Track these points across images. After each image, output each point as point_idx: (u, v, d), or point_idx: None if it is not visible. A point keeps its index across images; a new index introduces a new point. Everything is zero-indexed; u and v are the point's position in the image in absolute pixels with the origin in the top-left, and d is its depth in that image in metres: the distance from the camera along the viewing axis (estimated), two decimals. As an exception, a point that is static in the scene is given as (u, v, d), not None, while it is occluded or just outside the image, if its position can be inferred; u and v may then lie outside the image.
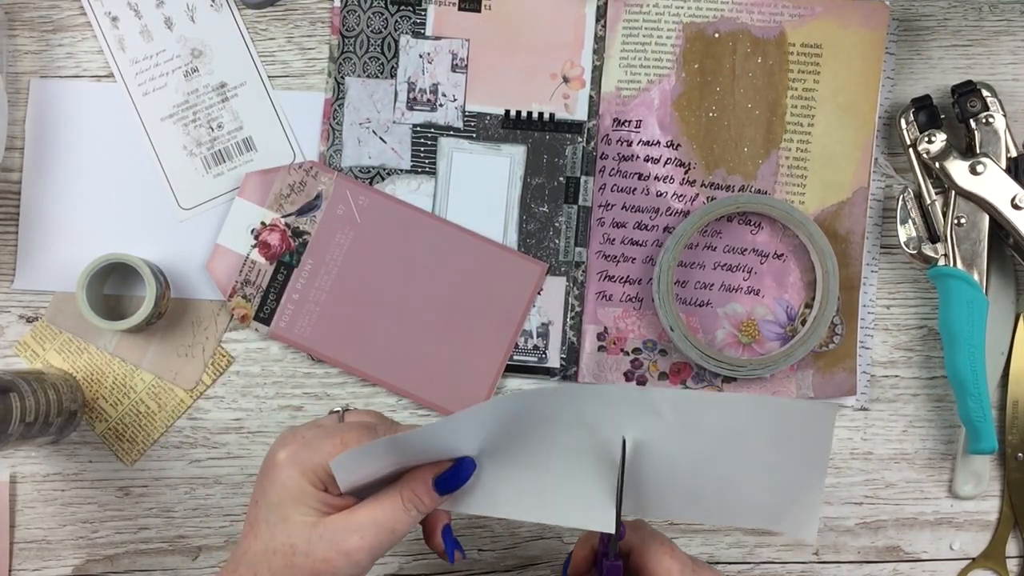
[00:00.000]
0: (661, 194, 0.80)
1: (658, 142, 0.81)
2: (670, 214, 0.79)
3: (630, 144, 0.81)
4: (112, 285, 0.80)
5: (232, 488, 0.80)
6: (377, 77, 0.81)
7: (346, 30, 0.81)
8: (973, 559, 0.81)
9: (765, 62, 0.81)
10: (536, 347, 0.80)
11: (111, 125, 0.81)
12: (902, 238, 0.79)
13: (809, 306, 0.80)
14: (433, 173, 0.81)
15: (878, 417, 0.82)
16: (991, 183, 0.77)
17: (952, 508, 0.82)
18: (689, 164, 0.81)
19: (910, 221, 0.79)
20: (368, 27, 0.81)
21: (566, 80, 0.81)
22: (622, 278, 0.81)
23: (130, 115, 0.81)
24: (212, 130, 0.81)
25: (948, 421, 0.82)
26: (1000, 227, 0.78)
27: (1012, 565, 0.81)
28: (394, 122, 0.81)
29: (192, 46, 0.81)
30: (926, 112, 0.79)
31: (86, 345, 0.80)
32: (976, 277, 0.77)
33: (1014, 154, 0.78)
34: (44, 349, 0.80)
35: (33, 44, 0.81)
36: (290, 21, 0.82)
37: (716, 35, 0.81)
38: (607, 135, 0.81)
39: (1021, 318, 0.81)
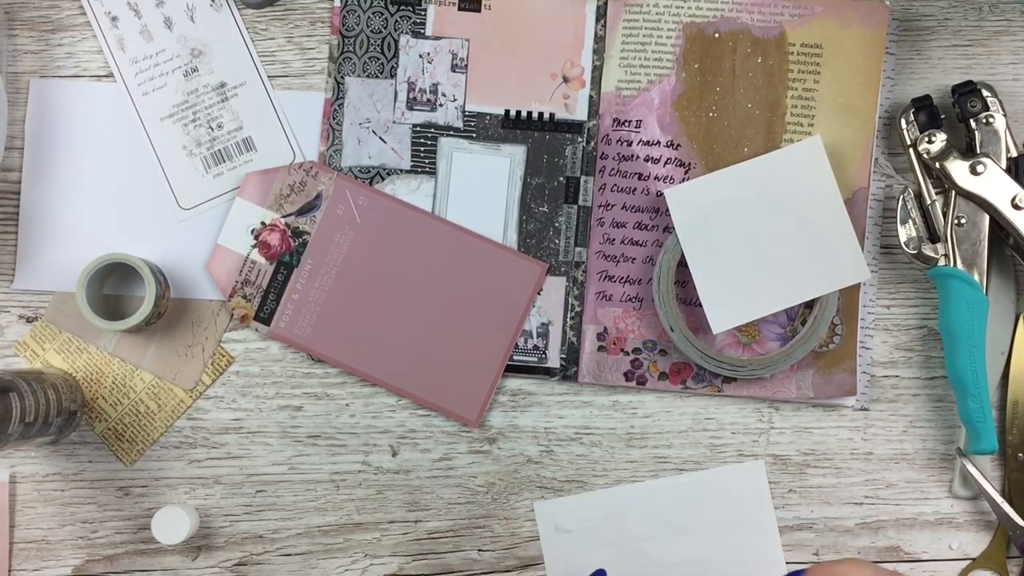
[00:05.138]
0: (661, 194, 0.80)
1: (658, 142, 0.81)
2: (670, 214, 0.79)
3: (630, 144, 0.81)
4: (112, 285, 0.80)
5: (232, 488, 0.80)
6: (377, 77, 0.81)
7: (346, 30, 0.81)
8: (973, 559, 0.81)
9: (765, 62, 0.80)
10: (536, 347, 0.80)
11: (111, 125, 0.81)
12: (902, 238, 0.79)
13: (809, 306, 0.80)
14: (433, 173, 0.81)
15: (878, 417, 0.82)
16: (991, 183, 0.77)
17: (952, 508, 0.81)
18: (689, 164, 0.81)
19: (910, 221, 0.79)
20: (368, 27, 0.81)
21: (566, 80, 0.81)
22: (622, 278, 0.81)
23: (130, 115, 0.81)
24: (212, 130, 0.81)
25: (948, 421, 0.82)
26: (1000, 227, 0.78)
27: (1012, 565, 0.81)
28: (394, 122, 0.81)
29: (192, 46, 0.81)
30: (926, 112, 0.79)
31: (86, 345, 0.80)
32: (976, 277, 0.77)
33: (1014, 154, 0.78)
34: (44, 349, 0.80)
35: (33, 44, 0.81)
36: (290, 21, 0.82)
37: (716, 35, 0.81)
38: (607, 135, 0.81)
39: (1021, 318, 0.81)
